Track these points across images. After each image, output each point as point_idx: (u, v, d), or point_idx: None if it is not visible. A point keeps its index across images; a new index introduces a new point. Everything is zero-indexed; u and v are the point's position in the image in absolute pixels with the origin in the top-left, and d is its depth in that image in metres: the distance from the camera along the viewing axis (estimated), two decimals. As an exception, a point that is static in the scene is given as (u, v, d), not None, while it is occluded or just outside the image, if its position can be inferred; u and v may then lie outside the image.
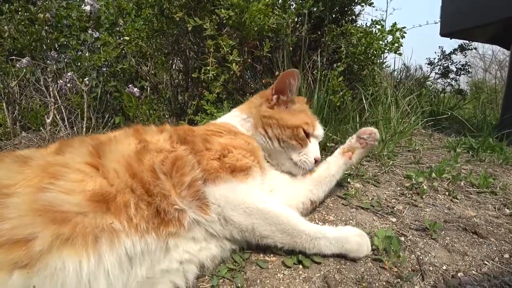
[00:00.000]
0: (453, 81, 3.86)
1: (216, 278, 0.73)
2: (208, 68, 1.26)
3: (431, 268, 0.81)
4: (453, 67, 3.86)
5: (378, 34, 1.89)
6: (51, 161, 0.64)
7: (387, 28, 1.89)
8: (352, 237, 0.81)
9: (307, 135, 1.02)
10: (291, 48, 1.66)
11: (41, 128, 2.13)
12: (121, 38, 2.17)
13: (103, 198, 0.61)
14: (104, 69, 2.49)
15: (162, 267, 0.65)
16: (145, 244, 0.62)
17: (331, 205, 1.14)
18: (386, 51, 1.94)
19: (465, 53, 3.71)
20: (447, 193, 1.32)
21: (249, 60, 1.48)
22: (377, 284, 0.73)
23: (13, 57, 2.40)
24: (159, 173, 0.69)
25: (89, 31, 2.81)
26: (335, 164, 1.08)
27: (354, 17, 2.09)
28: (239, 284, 0.71)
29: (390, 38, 1.91)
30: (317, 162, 1.03)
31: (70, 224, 0.55)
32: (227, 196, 0.73)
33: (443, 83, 3.90)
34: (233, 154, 0.83)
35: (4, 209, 0.53)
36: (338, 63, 1.81)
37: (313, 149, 1.03)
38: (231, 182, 0.76)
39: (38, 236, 0.52)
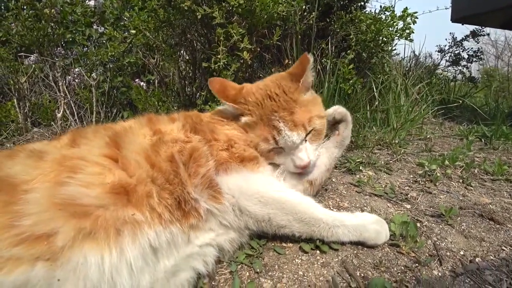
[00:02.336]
0: (465, 68, 3.76)
1: (235, 264, 0.74)
2: (219, 56, 1.25)
3: (448, 253, 0.81)
4: (464, 54, 3.75)
5: (389, 20, 1.84)
6: (67, 154, 0.64)
7: (398, 14, 1.84)
8: (370, 225, 0.79)
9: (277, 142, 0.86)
10: (299, 36, 1.64)
11: (52, 123, 2.16)
12: (126, 33, 2.17)
13: (124, 190, 0.60)
14: (111, 65, 2.51)
15: (184, 254, 0.66)
16: (171, 234, 0.62)
17: (345, 192, 1.14)
18: (396, 37, 1.90)
19: (477, 39, 3.59)
20: (461, 181, 1.30)
21: (258, 49, 1.47)
22: (395, 269, 0.73)
23: (22, 53, 2.43)
24: (179, 162, 0.69)
25: (94, 26, 2.81)
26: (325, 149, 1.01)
27: (363, 3, 2.04)
28: (258, 270, 0.72)
29: (400, 24, 1.86)
30: (303, 168, 0.88)
31: (91, 217, 0.54)
32: (241, 186, 0.73)
33: (453, 70, 3.80)
34: (239, 145, 0.83)
35: (24, 205, 0.52)
36: (348, 51, 1.78)
37: (289, 158, 0.88)
38: (243, 172, 0.76)
39: (59, 231, 0.51)
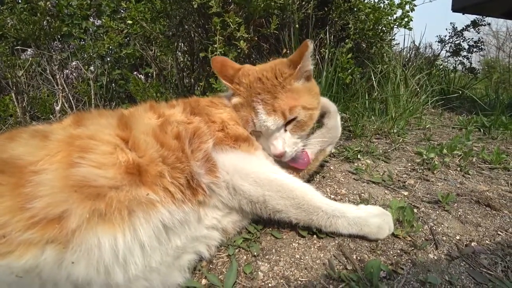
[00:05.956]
0: (465, 59, 3.72)
1: (232, 247, 0.75)
2: (215, 46, 1.24)
3: (444, 238, 0.82)
4: (465, 45, 3.71)
5: (387, 9, 1.82)
6: (75, 133, 0.62)
7: (397, 2, 1.82)
8: (372, 219, 0.76)
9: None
10: (297, 26, 1.62)
11: (50, 116, 2.16)
12: (123, 24, 2.15)
13: (137, 170, 0.59)
14: (108, 57, 2.49)
15: (193, 235, 0.67)
16: (183, 213, 0.63)
17: (343, 179, 1.14)
18: (395, 26, 1.88)
19: (478, 29, 3.54)
20: (458, 169, 1.31)
21: (256, 38, 1.46)
22: (391, 252, 0.74)
23: (18, 47, 2.41)
24: (185, 139, 0.70)
25: (91, 19, 2.79)
26: None
27: (362, -8, 2.00)
28: (255, 253, 0.73)
29: (399, 12, 1.84)
30: (276, 156, 0.86)
31: (106, 199, 0.53)
32: (236, 164, 0.74)
33: (454, 61, 3.76)
34: (231, 126, 0.84)
35: (34, 187, 0.50)
36: (346, 40, 1.76)
37: (267, 143, 0.88)
38: (238, 152, 0.78)
39: (72, 213, 0.50)
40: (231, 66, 0.94)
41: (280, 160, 0.88)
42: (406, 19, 1.80)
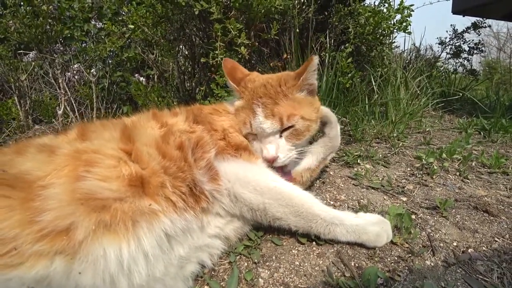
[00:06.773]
0: (465, 61, 3.72)
1: (234, 254, 0.77)
2: (216, 52, 1.25)
3: (441, 245, 0.83)
4: (465, 46, 3.71)
5: (386, 13, 1.83)
6: (81, 148, 0.63)
7: (395, 7, 1.83)
8: (370, 227, 0.77)
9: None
10: (297, 30, 1.63)
11: (53, 120, 2.18)
12: (125, 27, 2.16)
13: (140, 182, 0.61)
14: (110, 60, 2.51)
15: (196, 244, 0.68)
16: (185, 221, 0.64)
17: (342, 185, 1.16)
18: (394, 30, 1.89)
19: (479, 31, 3.54)
20: (458, 174, 1.31)
21: (256, 44, 1.47)
22: (389, 259, 0.76)
23: (21, 51, 2.43)
24: (188, 149, 0.72)
25: (92, 22, 2.80)
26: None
27: (362, -5, 2.01)
28: (256, 260, 0.74)
29: (398, 17, 1.85)
30: (268, 161, 0.87)
31: (110, 210, 0.55)
32: (237, 173, 0.76)
33: (454, 63, 3.76)
34: (233, 134, 0.87)
35: (43, 200, 0.52)
36: (346, 44, 1.77)
37: (260, 147, 0.89)
38: (239, 161, 0.80)
39: (79, 225, 0.52)
40: (241, 70, 0.98)
41: (271, 165, 0.89)
42: (404, 24, 1.81)
